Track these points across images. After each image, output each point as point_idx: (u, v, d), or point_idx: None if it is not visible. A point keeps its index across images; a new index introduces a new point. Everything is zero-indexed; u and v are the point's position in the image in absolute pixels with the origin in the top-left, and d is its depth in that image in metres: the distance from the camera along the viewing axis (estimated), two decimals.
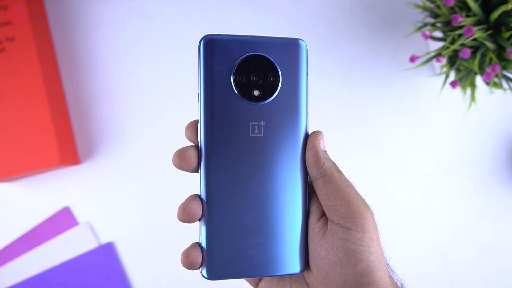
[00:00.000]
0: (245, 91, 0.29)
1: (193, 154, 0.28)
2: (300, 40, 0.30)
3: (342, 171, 0.30)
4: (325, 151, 0.30)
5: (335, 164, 0.30)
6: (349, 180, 0.29)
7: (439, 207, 0.59)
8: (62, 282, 0.56)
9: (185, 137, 0.29)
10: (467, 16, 0.48)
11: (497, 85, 0.50)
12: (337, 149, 0.59)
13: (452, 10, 0.49)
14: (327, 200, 0.28)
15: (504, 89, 0.50)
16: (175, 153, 0.28)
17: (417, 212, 0.59)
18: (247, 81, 0.29)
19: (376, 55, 0.59)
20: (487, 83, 0.51)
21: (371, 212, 0.28)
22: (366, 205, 0.28)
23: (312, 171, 0.29)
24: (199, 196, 0.29)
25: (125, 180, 0.58)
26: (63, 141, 0.55)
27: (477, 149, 0.59)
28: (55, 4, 0.59)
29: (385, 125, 0.59)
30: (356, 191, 0.29)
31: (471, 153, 0.59)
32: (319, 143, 0.29)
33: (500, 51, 0.49)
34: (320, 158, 0.29)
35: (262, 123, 0.29)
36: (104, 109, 0.58)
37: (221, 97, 0.29)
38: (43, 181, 0.58)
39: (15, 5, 0.54)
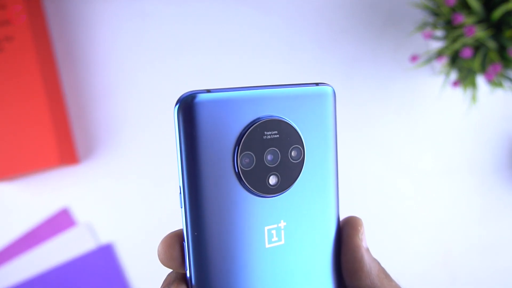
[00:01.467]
0: (256, 179, 0.19)
1: None
2: (327, 87, 0.20)
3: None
4: (368, 250, 0.21)
5: (380, 264, 0.22)
6: (398, 283, 0.22)
7: (439, 207, 0.59)
8: (61, 283, 0.56)
9: (159, 260, 0.20)
10: (468, 15, 0.48)
11: (498, 85, 0.50)
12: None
13: (452, 9, 0.49)
14: None
15: (505, 89, 0.50)
16: None
17: (417, 212, 0.59)
18: (259, 163, 0.19)
19: (376, 55, 0.59)
20: (489, 82, 0.51)
21: None
22: None
23: (354, 282, 0.21)
24: None
25: (125, 180, 0.58)
26: (62, 141, 0.55)
27: (478, 149, 0.59)
28: (55, 4, 0.59)
29: (386, 125, 0.59)
30: None
31: (472, 153, 0.59)
32: (361, 240, 0.21)
33: (502, 51, 0.49)
34: (366, 265, 0.20)
35: (282, 224, 0.20)
36: (104, 109, 0.58)
37: (220, 194, 0.18)
38: (42, 181, 0.57)
39: (14, 5, 0.53)
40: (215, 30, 0.59)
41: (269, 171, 0.19)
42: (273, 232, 0.20)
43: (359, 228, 0.21)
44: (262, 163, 0.19)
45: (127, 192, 0.57)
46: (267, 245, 0.19)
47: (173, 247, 0.19)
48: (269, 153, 0.19)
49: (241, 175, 0.19)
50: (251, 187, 0.19)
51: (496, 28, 0.49)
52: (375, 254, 0.23)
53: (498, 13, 0.46)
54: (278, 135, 0.19)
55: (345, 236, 0.21)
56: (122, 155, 0.58)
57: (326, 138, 0.20)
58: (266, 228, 0.19)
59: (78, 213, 0.57)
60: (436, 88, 0.58)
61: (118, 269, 0.57)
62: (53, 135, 0.53)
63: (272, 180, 0.19)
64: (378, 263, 0.21)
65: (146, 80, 0.58)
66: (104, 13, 0.59)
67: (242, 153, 0.19)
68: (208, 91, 0.18)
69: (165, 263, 0.19)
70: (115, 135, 0.58)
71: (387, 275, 0.21)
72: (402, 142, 0.59)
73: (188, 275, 0.19)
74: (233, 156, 0.19)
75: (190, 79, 0.58)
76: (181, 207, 0.19)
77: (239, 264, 0.19)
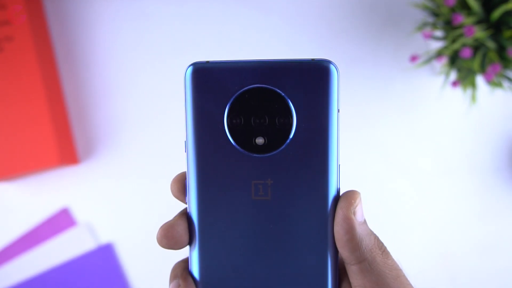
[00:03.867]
0: (243, 139, 0.22)
1: (182, 229, 0.23)
2: (327, 63, 0.22)
3: (388, 249, 0.22)
4: (364, 223, 0.22)
5: (378, 240, 0.22)
6: (398, 263, 0.22)
7: (439, 207, 0.59)
8: (61, 283, 0.56)
9: (171, 193, 0.24)
10: (468, 15, 0.48)
11: (497, 85, 0.50)
12: None
13: (452, 10, 0.49)
14: None
15: (505, 89, 0.50)
16: (159, 232, 0.23)
17: (417, 213, 0.59)
18: (246, 125, 0.22)
19: (376, 55, 0.59)
20: (489, 82, 0.51)
21: None
22: None
23: (344, 253, 0.21)
24: (190, 273, 0.24)
25: (125, 180, 0.58)
26: (62, 141, 0.55)
27: (478, 149, 0.59)
28: (55, 4, 0.59)
29: (385, 125, 0.59)
30: (408, 281, 0.22)
31: (471, 153, 0.59)
32: (354, 213, 0.21)
33: (501, 51, 0.49)
34: (356, 237, 0.21)
35: (269, 181, 0.22)
36: (104, 109, 0.58)
37: (214, 147, 0.22)
38: (42, 181, 0.57)
39: (14, 5, 0.53)
40: (215, 30, 0.59)
41: (255, 132, 0.22)
42: (260, 187, 0.22)
43: (353, 201, 0.22)
44: (249, 124, 0.22)
45: (127, 192, 0.57)
46: (254, 197, 0.22)
47: (182, 182, 0.24)
48: (256, 117, 0.22)
49: (230, 133, 0.22)
50: (238, 144, 0.22)
51: (496, 28, 0.49)
52: None
53: (497, 13, 0.46)
54: (266, 102, 0.22)
55: (338, 208, 0.22)
56: (122, 155, 0.58)
57: (323, 111, 0.22)
58: (253, 182, 0.22)
59: (78, 213, 0.57)
60: (436, 88, 0.58)
61: (118, 269, 0.57)
62: (53, 135, 0.53)
63: (259, 140, 0.22)
64: (375, 238, 0.22)
65: (146, 80, 0.58)
66: (104, 13, 0.59)
67: (231, 113, 0.22)
68: (207, 62, 0.22)
69: (176, 195, 0.24)
70: (115, 135, 0.58)
71: (384, 252, 0.22)
72: (402, 142, 0.59)
73: (187, 206, 0.23)
74: (223, 115, 0.22)
75: None
76: (185, 152, 0.23)
77: (229, 207, 0.22)
